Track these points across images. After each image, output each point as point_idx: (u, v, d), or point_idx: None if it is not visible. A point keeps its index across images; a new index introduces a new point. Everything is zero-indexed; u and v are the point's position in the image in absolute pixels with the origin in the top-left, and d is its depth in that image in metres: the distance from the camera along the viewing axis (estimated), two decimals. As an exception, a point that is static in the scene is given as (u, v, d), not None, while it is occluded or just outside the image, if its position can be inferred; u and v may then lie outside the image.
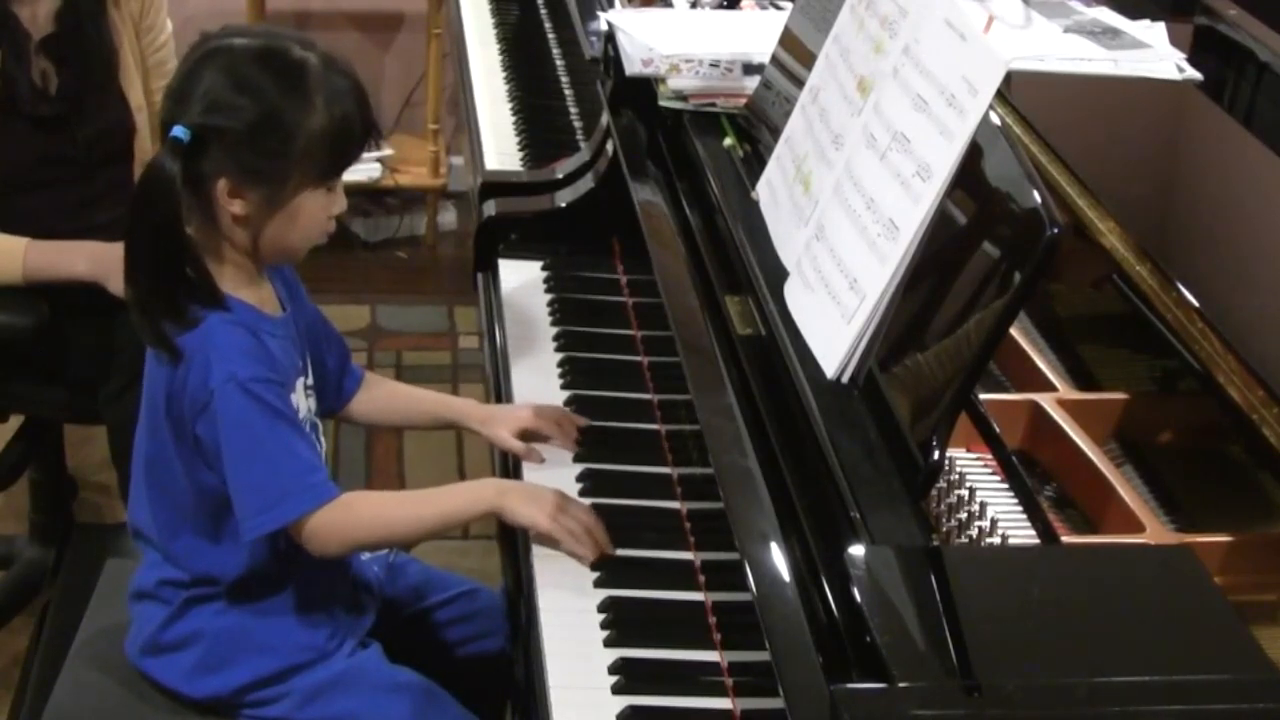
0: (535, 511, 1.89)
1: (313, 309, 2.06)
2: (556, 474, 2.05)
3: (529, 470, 2.06)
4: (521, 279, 2.50)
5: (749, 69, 2.22)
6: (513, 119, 3.11)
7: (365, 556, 2.11)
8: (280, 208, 1.82)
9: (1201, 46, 2.11)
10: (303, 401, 1.93)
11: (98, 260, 2.70)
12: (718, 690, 1.73)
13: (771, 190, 1.98)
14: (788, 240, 1.88)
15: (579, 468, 2.07)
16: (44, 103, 2.75)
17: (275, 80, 1.78)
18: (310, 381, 1.98)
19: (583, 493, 2.02)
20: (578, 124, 3.06)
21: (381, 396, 2.17)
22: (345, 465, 3.58)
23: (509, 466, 2.11)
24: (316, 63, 1.81)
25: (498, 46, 3.47)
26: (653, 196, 2.21)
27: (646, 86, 2.28)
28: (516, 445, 2.09)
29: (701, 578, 1.88)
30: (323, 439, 2.00)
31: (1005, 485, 1.68)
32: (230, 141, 1.77)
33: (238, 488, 1.81)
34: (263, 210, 1.81)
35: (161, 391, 1.85)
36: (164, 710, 1.96)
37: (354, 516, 1.86)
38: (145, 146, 2.87)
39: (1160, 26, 1.74)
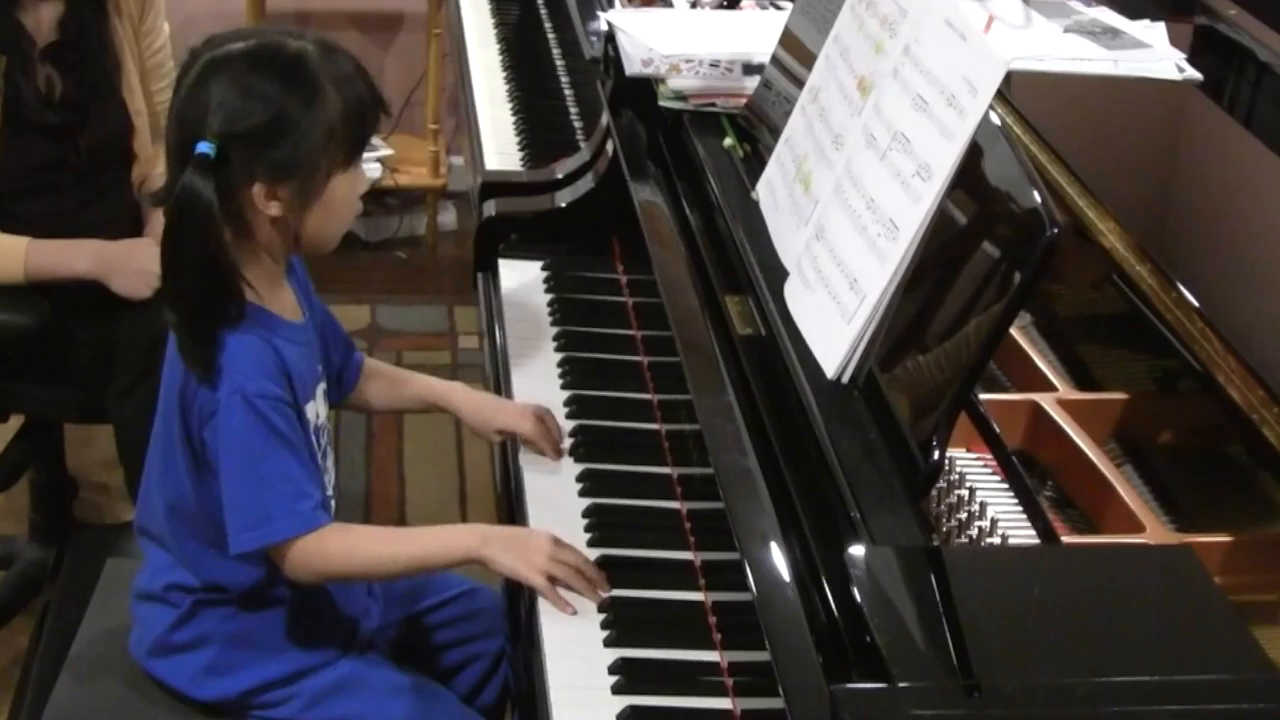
0: (517, 562, 1.84)
1: (321, 306, 2.06)
2: (557, 474, 2.05)
3: (529, 472, 2.06)
4: (521, 279, 2.50)
5: (749, 69, 2.22)
6: (513, 119, 3.10)
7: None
8: (316, 198, 1.82)
9: (1201, 46, 2.11)
10: (322, 409, 1.93)
11: (99, 259, 2.71)
12: (718, 690, 1.73)
13: (771, 190, 1.98)
14: (788, 240, 1.88)
15: (579, 468, 2.07)
16: (49, 110, 2.75)
17: (283, 76, 1.78)
18: (325, 386, 1.98)
19: (583, 493, 2.02)
20: (578, 124, 3.05)
21: (378, 382, 2.18)
22: (345, 465, 3.58)
23: (509, 472, 2.11)
24: (315, 51, 1.81)
25: (498, 46, 3.46)
26: (653, 196, 2.21)
27: (646, 86, 2.28)
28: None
29: (701, 578, 1.88)
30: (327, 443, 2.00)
31: (1005, 485, 1.68)
32: (256, 145, 1.76)
33: (228, 502, 1.81)
34: (299, 205, 1.82)
35: (176, 394, 1.85)
36: (166, 710, 1.95)
37: (329, 550, 1.83)
38: (145, 145, 2.87)
39: (1160, 26, 1.74)
